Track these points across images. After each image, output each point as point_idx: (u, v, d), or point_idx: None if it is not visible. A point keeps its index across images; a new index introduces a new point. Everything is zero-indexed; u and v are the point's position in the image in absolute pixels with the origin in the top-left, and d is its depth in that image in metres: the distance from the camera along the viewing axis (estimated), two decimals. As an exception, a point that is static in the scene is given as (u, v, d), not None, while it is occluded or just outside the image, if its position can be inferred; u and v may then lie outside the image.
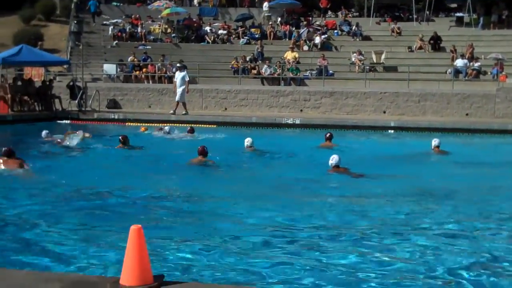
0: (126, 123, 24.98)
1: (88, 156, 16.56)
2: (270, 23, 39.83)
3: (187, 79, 27.83)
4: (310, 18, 41.77)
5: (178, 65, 29.83)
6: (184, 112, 26.98)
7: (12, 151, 13.75)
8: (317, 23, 40.63)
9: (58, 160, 16.07)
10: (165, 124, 22.65)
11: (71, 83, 28.94)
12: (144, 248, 4.59)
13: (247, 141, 16.82)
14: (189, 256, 7.12)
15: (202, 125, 25.03)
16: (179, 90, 27.29)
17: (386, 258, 7.32)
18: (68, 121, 26.43)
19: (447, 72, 31.97)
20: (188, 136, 20.23)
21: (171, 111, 27.17)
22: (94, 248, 7.38)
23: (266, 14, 42.42)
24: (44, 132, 19.10)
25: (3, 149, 13.82)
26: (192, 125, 23.34)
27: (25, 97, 26.93)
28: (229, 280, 6.25)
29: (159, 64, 33.29)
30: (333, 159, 13.20)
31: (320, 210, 10.02)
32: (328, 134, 18.03)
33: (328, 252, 7.46)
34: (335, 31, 39.15)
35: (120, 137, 17.38)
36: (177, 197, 11.02)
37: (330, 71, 32.64)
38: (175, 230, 8.35)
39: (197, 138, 19.89)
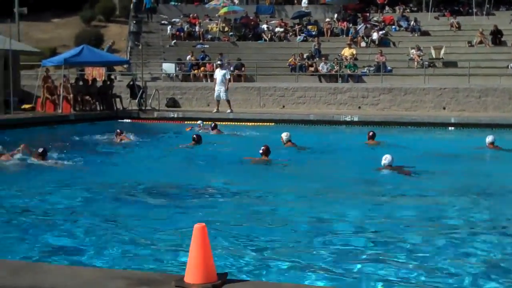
0: (185, 122, 25.17)
1: (147, 154, 16.79)
2: (327, 19, 39.71)
3: (228, 76, 27.95)
4: (368, 14, 41.44)
5: (218, 62, 29.91)
6: (228, 111, 27.10)
7: (46, 151, 14.17)
8: (375, 19, 40.29)
9: (116, 157, 16.35)
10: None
11: (131, 83, 29.39)
12: (208, 246, 4.67)
13: (285, 135, 16.74)
14: (251, 254, 7.17)
15: (260, 123, 25.12)
16: (220, 89, 27.33)
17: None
18: (129, 120, 26.86)
19: (509, 67, 31.36)
20: (212, 132, 20.25)
21: (215, 110, 27.30)
22: (158, 245, 7.51)
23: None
24: None
25: (39, 149, 14.17)
26: (245, 123, 23.59)
27: (87, 97, 27.46)
28: (290, 279, 6.31)
29: (225, 63, 33.53)
30: (386, 159, 13.02)
31: (376, 209, 9.98)
32: (371, 132, 17.83)
33: (384, 252, 7.43)
34: (393, 26, 38.77)
35: (194, 136, 17.57)
36: (239, 195, 11.08)
37: (388, 67, 32.37)
38: (237, 228, 8.41)
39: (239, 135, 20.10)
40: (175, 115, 26.78)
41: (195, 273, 4.64)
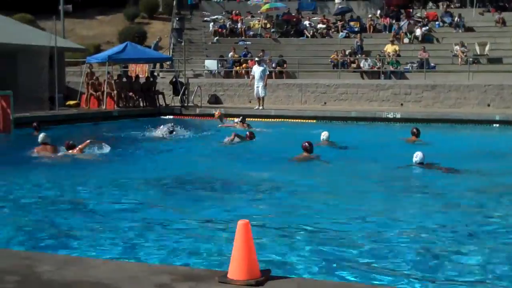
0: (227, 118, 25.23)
1: (191, 149, 16.91)
2: (369, 16, 39.48)
3: (267, 73, 27.95)
4: (411, 10, 41.03)
5: (256, 58, 29.90)
6: (261, 107, 27.11)
7: (72, 144, 14.79)
8: (418, 15, 39.89)
9: (160, 153, 16.51)
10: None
11: (174, 79, 29.59)
12: (251, 243, 4.70)
13: (324, 134, 16.68)
14: (295, 250, 7.19)
15: (302, 120, 25.12)
16: (259, 85, 27.33)
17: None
18: (171, 117, 27.06)
19: (555, 63, 30.82)
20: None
21: (256, 107, 27.33)
22: (201, 241, 7.57)
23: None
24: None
25: (66, 142, 14.87)
26: (291, 120, 23.59)
27: (130, 93, 27.75)
28: (333, 277, 6.31)
29: (266, 59, 33.55)
30: (417, 156, 12.96)
31: (410, 206, 9.92)
32: (415, 129, 17.66)
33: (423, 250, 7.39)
34: (437, 22, 38.31)
35: (247, 133, 17.63)
36: (282, 191, 11.10)
37: (432, 64, 32.02)
38: (281, 225, 8.43)
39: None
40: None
41: (238, 269, 4.68)
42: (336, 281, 5.92)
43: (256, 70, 27.56)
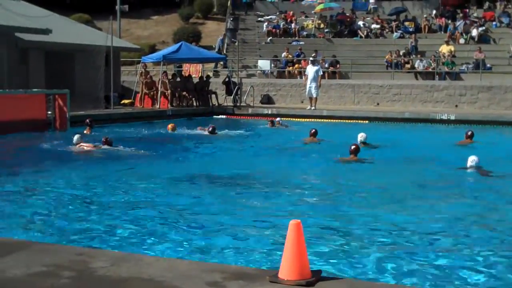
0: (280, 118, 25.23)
1: (242, 149, 16.99)
2: (424, 16, 39.04)
3: (320, 73, 27.85)
4: (467, 10, 40.40)
5: (310, 58, 29.80)
6: (313, 108, 27.02)
7: (110, 140, 15.51)
8: (474, 15, 39.25)
9: (211, 152, 16.62)
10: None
11: (227, 79, 29.75)
12: (302, 243, 4.70)
13: (361, 136, 16.48)
14: (346, 251, 7.17)
15: (354, 121, 24.99)
16: (312, 85, 27.24)
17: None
18: (224, 116, 27.22)
19: None
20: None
21: (308, 107, 27.27)
22: (252, 240, 7.61)
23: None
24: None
25: (103, 138, 15.57)
26: (341, 120, 23.53)
27: (184, 93, 27.99)
28: (384, 278, 6.28)
29: (319, 59, 33.49)
30: (473, 161, 12.73)
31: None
32: (470, 132, 17.37)
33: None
34: (494, 23, 37.66)
35: (313, 130, 17.62)
36: (331, 193, 11.08)
37: (488, 65, 31.49)
38: (331, 225, 8.42)
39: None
40: (269, 112, 26.94)
41: (289, 269, 4.69)
42: (387, 283, 5.89)
43: (310, 70, 27.50)
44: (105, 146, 15.48)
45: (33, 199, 10.12)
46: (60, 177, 12.23)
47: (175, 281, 4.76)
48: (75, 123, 20.37)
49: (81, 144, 15.33)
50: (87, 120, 19.46)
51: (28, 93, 20.19)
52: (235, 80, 29.72)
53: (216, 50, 35.98)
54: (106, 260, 5.31)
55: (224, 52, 35.96)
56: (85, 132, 18.32)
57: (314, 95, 27.32)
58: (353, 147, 13.93)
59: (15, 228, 8.11)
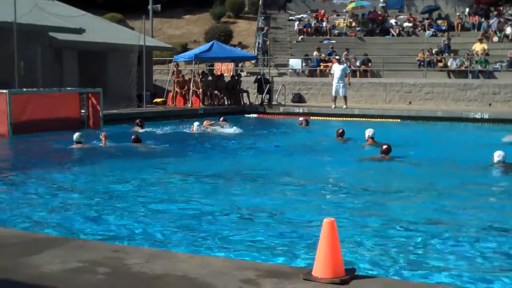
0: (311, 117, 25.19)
1: (274, 147, 17.01)
2: (457, 14, 38.68)
3: (348, 71, 27.72)
4: (501, 7, 39.93)
5: (336, 57, 29.67)
6: (344, 106, 26.92)
7: (139, 138, 16.06)
8: (509, 12, 38.78)
9: (243, 150, 16.68)
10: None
11: (259, 77, 29.78)
12: (336, 241, 4.70)
13: (369, 131, 16.29)
14: (380, 250, 7.14)
15: (386, 120, 24.88)
16: (339, 84, 27.12)
17: None
18: (255, 115, 27.27)
19: None
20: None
21: (333, 106, 27.17)
22: (286, 238, 7.61)
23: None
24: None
25: (132, 136, 16.04)
26: (372, 119, 23.42)
27: (216, 92, 28.08)
28: (418, 277, 6.24)
29: (343, 58, 33.37)
30: (500, 156, 12.63)
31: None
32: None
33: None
34: (528, 20, 37.19)
35: (340, 130, 17.59)
36: (362, 191, 11.03)
37: (522, 63, 31.11)
38: (364, 224, 8.39)
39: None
40: (300, 110, 26.90)
41: (323, 268, 4.70)
42: (422, 282, 5.86)
43: (336, 68, 27.42)
44: (135, 144, 15.83)
45: (68, 196, 10.23)
46: (94, 175, 12.38)
47: (208, 278, 4.80)
48: (108, 121, 20.60)
49: (79, 143, 15.53)
50: (137, 121, 19.96)
51: (62, 91, 20.43)
52: (268, 78, 29.71)
53: (257, 46, 36.03)
54: (141, 256, 5.37)
55: (255, 51, 35.96)
56: (135, 130, 19.05)
57: (342, 94, 27.23)
58: (384, 146, 13.86)
59: (52, 224, 8.22)
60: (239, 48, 35.97)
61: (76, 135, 15.60)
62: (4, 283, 4.68)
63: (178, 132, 20.12)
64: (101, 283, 4.72)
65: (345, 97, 27.24)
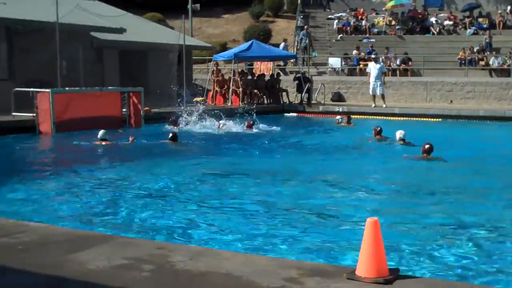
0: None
1: (318, 148, 16.99)
2: (499, 12, 38.15)
3: (384, 70, 27.53)
4: (544, 5, 39.32)
5: (373, 56, 29.46)
6: (384, 106, 26.73)
7: (176, 135, 16.39)
8: (552, 10, 38.18)
9: (285, 149, 16.69)
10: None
11: (298, 76, 29.74)
12: (380, 241, 4.69)
13: (400, 133, 16.25)
14: (425, 251, 7.09)
15: (426, 119, 24.67)
16: (376, 83, 26.95)
17: None
18: (295, 114, 27.25)
19: None
20: (248, 131, 20.04)
21: (373, 105, 27.01)
22: (329, 237, 7.61)
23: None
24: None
25: (170, 134, 16.31)
26: (413, 118, 23.26)
27: (255, 91, 28.12)
28: (463, 279, 6.20)
29: (383, 57, 33.16)
30: None
31: None
32: None
33: None
34: None
35: (378, 128, 17.48)
36: (405, 192, 10.95)
37: None
38: (408, 224, 8.33)
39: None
40: (340, 109, 26.79)
41: (367, 267, 4.69)
42: (467, 283, 5.81)
43: (373, 67, 27.25)
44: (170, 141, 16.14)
45: (112, 194, 10.36)
46: (137, 172, 12.53)
47: (252, 277, 4.82)
48: (148, 120, 20.78)
49: (104, 141, 15.93)
50: (172, 118, 20.30)
51: (104, 91, 20.67)
52: (308, 77, 29.65)
53: (298, 45, 35.97)
54: (185, 254, 5.42)
55: (295, 50, 35.92)
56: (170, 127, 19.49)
57: (379, 93, 27.06)
58: (426, 146, 13.74)
59: (97, 221, 8.35)
60: (285, 45, 35.90)
61: (101, 133, 15.97)
62: (52, 279, 4.77)
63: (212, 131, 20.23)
64: (146, 280, 4.78)
65: (382, 96, 27.07)
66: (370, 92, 27.42)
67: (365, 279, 4.66)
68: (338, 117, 22.93)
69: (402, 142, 16.08)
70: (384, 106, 26.74)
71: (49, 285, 4.64)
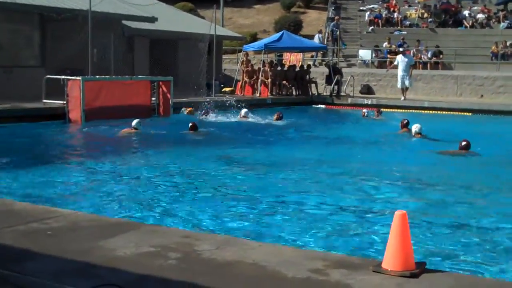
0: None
1: (348, 140, 16.95)
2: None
3: (412, 63, 27.31)
4: None
5: (401, 49, 29.24)
6: (402, 98, 26.56)
7: (196, 125, 16.42)
8: None
9: (316, 141, 16.67)
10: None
11: (329, 63, 29.61)
12: (407, 234, 4.66)
13: (416, 127, 16.16)
14: (453, 245, 7.04)
15: (456, 113, 24.46)
16: (404, 76, 26.73)
17: None
18: (323, 106, 27.18)
19: None
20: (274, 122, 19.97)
21: (402, 98, 26.82)
22: (355, 229, 7.60)
23: None
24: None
25: (190, 124, 16.39)
26: (442, 112, 23.09)
27: (284, 82, 28.09)
28: (490, 274, 6.16)
29: (414, 50, 32.90)
30: None
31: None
32: None
33: None
34: None
35: (405, 121, 17.36)
36: (437, 186, 10.84)
37: None
38: (437, 218, 8.29)
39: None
40: (369, 102, 26.68)
41: (393, 260, 4.67)
42: (495, 278, 5.76)
43: (401, 60, 27.06)
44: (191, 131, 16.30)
45: (139, 182, 10.45)
46: (164, 161, 12.61)
47: (278, 267, 4.82)
48: (178, 109, 20.86)
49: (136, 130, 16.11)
50: (191, 107, 20.44)
51: (134, 79, 20.78)
52: (339, 67, 29.52)
53: (328, 37, 35.86)
54: (212, 243, 5.44)
55: (325, 41, 35.79)
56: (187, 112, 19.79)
57: (407, 85, 26.90)
58: (464, 143, 13.57)
59: (125, 209, 8.42)
60: (319, 36, 35.80)
61: (135, 122, 16.13)
62: (80, 265, 4.83)
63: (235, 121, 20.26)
64: (172, 267, 4.81)
65: (407, 88, 26.91)
66: (399, 85, 27.26)
67: (391, 272, 4.64)
68: (364, 110, 22.84)
69: (419, 136, 16.03)
70: (402, 98, 26.58)
71: (77, 271, 4.69)
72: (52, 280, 4.46)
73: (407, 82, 26.88)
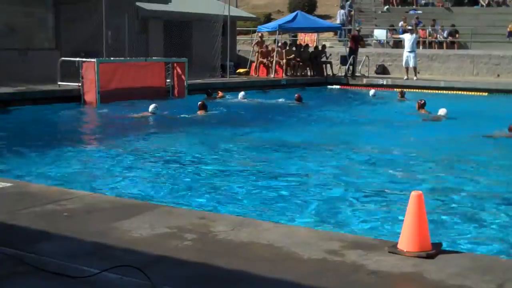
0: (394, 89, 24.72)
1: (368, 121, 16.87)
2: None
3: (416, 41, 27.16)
4: None
5: (409, 27, 28.99)
6: (415, 78, 26.35)
7: (205, 105, 16.56)
8: None
9: (331, 123, 16.62)
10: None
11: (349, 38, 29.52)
12: (423, 215, 4.64)
13: (442, 111, 16.04)
14: (470, 226, 7.03)
15: (472, 93, 24.27)
16: (409, 54, 26.51)
17: None
18: (338, 86, 27.06)
19: None
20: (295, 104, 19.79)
21: (405, 78, 26.64)
22: (372, 210, 7.60)
23: None
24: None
25: (199, 103, 16.56)
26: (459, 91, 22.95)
27: (299, 62, 27.98)
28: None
29: (429, 29, 32.62)
30: None
31: None
32: None
33: None
34: None
35: (422, 101, 17.16)
36: (461, 167, 10.75)
37: None
38: (455, 199, 8.24)
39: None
40: (384, 82, 26.53)
41: (409, 241, 4.66)
42: (511, 259, 5.73)
43: (407, 38, 26.84)
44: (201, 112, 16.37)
45: (154, 164, 10.47)
46: (180, 143, 12.65)
47: (293, 248, 4.83)
48: (192, 91, 20.86)
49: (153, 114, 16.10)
50: (209, 90, 20.69)
51: (148, 61, 20.78)
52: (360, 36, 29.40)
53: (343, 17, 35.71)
54: (227, 224, 5.45)
55: (339, 21, 35.59)
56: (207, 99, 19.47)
57: (412, 65, 26.63)
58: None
59: (141, 190, 8.46)
60: (341, 13, 35.68)
61: (152, 107, 16.06)
62: (97, 246, 4.85)
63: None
64: (188, 248, 4.82)
65: (414, 68, 26.70)
66: (403, 64, 27.03)
67: (407, 253, 4.63)
68: (372, 91, 22.70)
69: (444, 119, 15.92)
70: (415, 78, 26.38)
71: (94, 252, 4.71)
72: (68, 261, 4.48)
73: (412, 61, 26.61)
